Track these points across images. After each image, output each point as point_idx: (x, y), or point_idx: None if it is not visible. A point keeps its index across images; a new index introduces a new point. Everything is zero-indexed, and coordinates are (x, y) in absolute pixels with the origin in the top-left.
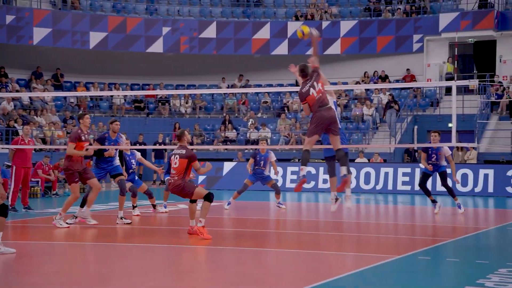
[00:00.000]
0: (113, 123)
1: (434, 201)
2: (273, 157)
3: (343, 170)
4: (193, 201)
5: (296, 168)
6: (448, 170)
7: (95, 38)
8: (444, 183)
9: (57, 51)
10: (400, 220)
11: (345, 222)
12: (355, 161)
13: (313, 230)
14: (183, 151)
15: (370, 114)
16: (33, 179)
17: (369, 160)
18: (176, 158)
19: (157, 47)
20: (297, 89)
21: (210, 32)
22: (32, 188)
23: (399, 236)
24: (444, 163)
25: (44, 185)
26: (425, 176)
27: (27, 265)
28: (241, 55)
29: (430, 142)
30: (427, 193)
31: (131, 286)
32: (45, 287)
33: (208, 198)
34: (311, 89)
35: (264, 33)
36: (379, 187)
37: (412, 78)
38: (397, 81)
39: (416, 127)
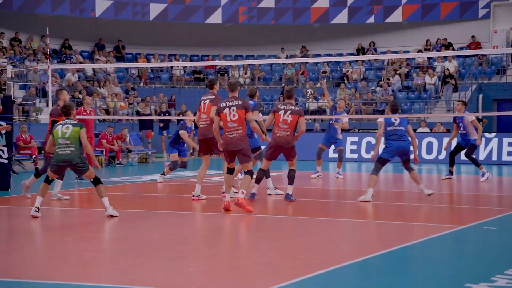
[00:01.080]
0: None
1: (451, 172)
2: (344, 119)
3: (289, 189)
4: (231, 171)
5: (355, 138)
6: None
7: (155, 9)
8: (468, 154)
9: (119, 23)
10: (463, 191)
11: (405, 192)
12: (417, 131)
13: (375, 200)
14: (239, 102)
15: (432, 83)
16: (97, 149)
17: (431, 129)
18: (233, 110)
19: (216, 17)
20: (357, 58)
21: (269, 1)
22: (97, 158)
23: (463, 206)
24: (473, 134)
25: (108, 155)
26: (458, 148)
27: (92, 231)
28: (299, 25)
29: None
30: (451, 162)
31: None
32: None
33: (251, 173)
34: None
35: (323, 1)
36: (441, 157)
37: (478, 46)
38: (461, 48)
39: (481, 95)
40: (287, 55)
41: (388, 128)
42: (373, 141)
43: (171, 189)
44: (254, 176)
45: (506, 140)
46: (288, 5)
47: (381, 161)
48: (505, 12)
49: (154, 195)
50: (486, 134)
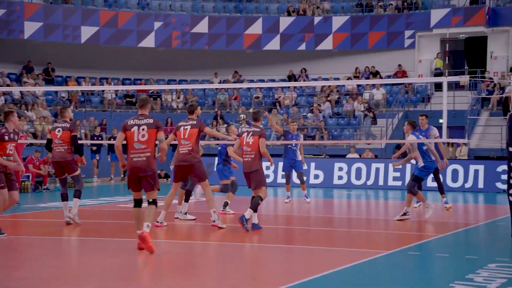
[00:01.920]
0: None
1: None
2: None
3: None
4: (138, 204)
5: None
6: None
7: (86, 32)
8: (436, 176)
9: (48, 45)
10: (390, 216)
11: (335, 217)
12: (346, 156)
13: (304, 225)
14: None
15: (361, 109)
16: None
17: (360, 155)
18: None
19: (149, 41)
20: (289, 84)
21: (202, 27)
22: (23, 183)
23: (390, 232)
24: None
25: (35, 180)
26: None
27: (18, 260)
28: (233, 50)
29: (419, 128)
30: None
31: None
32: (32, 281)
33: (155, 202)
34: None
35: (256, 28)
36: (370, 182)
37: (404, 74)
38: (389, 76)
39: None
40: (220, 80)
41: (424, 148)
42: (314, 164)
43: (100, 215)
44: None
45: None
46: (221, 31)
47: (418, 180)
48: (429, 42)
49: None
50: (413, 161)
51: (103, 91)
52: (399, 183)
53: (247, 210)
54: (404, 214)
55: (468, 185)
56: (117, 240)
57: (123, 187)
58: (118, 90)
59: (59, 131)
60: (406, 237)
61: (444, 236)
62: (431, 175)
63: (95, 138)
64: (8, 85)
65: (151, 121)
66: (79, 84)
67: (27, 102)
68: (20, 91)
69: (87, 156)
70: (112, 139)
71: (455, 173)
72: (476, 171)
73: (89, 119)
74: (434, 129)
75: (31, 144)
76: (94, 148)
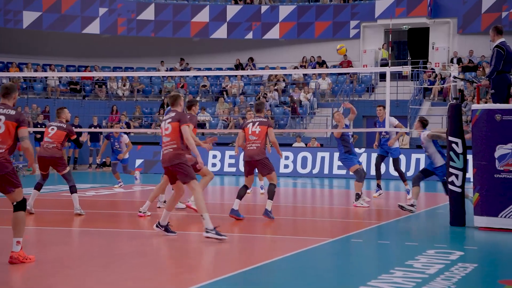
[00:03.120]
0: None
1: (378, 186)
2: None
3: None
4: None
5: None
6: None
7: (28, 17)
8: (397, 167)
9: None
10: (335, 204)
11: (281, 205)
12: (293, 145)
13: (247, 213)
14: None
15: (307, 99)
16: None
17: (306, 144)
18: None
19: (94, 28)
20: (236, 73)
21: (149, 14)
22: None
23: (334, 220)
24: (396, 143)
25: None
26: (380, 158)
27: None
28: (180, 38)
29: (378, 121)
30: (378, 175)
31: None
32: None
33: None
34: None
35: (203, 16)
36: (315, 171)
37: (349, 64)
38: (334, 66)
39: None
40: (167, 68)
41: (441, 145)
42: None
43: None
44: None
45: (373, 155)
46: (168, 18)
47: (426, 173)
48: (373, 32)
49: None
50: (356, 149)
51: (46, 77)
52: (343, 172)
53: (267, 202)
54: (412, 205)
55: (410, 173)
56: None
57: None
58: (61, 77)
59: (52, 129)
60: (350, 225)
61: (386, 223)
62: (391, 164)
63: (38, 125)
64: None
65: (12, 112)
66: (21, 70)
67: None
68: None
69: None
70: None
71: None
72: (418, 160)
73: (32, 106)
74: (392, 118)
75: None
76: (38, 136)
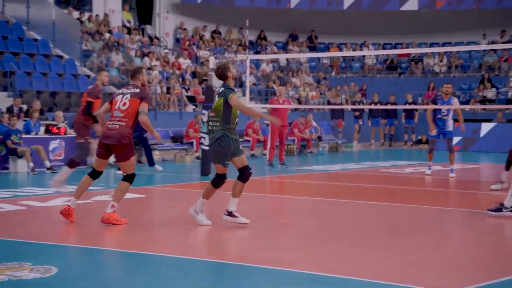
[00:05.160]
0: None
1: None
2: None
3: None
4: (129, 178)
5: None
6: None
7: None
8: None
9: (312, 13)
10: None
11: None
12: None
13: None
14: (136, 90)
15: None
16: (289, 138)
17: None
18: (126, 97)
19: (412, 4)
20: None
21: None
22: (288, 146)
23: None
24: None
25: (300, 143)
26: None
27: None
28: (504, 9)
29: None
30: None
31: None
32: None
33: (131, 178)
34: None
35: None
36: None
37: None
38: None
39: None
40: (489, 41)
41: None
42: None
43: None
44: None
45: None
46: None
47: None
48: None
49: (345, 184)
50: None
51: (363, 56)
52: None
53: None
54: None
55: None
56: None
57: (384, 152)
58: (378, 55)
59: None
60: None
61: None
62: None
63: (356, 103)
64: (275, 53)
65: (137, 90)
66: (340, 50)
67: (292, 69)
68: (286, 58)
69: (349, 121)
70: (372, 104)
71: None
72: None
73: (350, 85)
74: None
75: (296, 109)
76: (357, 113)
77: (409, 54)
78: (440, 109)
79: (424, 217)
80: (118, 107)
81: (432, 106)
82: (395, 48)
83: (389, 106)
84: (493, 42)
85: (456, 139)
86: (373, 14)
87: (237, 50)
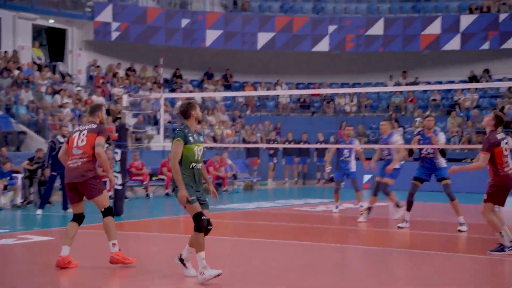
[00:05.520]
0: (426, 118)
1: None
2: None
3: None
4: (108, 211)
5: None
6: None
7: (263, 38)
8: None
9: (227, 52)
10: None
11: None
12: None
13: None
14: (94, 126)
15: None
16: None
17: None
18: (83, 133)
19: (323, 46)
20: (469, 86)
21: (377, 29)
22: (203, 185)
23: None
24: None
25: (215, 182)
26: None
27: None
28: (408, 52)
29: None
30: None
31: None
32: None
33: (110, 211)
34: None
35: (434, 28)
36: None
37: None
38: None
39: None
40: (395, 83)
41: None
42: None
43: (276, 217)
44: None
45: None
46: (397, 32)
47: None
48: None
49: (260, 223)
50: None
51: (278, 95)
52: None
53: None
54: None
55: None
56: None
57: (298, 190)
58: (292, 94)
59: None
60: None
61: None
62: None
63: (270, 142)
64: (191, 91)
65: (94, 126)
66: (255, 89)
67: (208, 107)
68: (202, 97)
69: (264, 159)
70: (286, 143)
71: None
72: None
73: (265, 123)
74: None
75: (211, 148)
76: (272, 151)
77: (321, 93)
78: (342, 152)
79: (329, 255)
80: (76, 145)
81: (335, 146)
82: (307, 87)
83: (301, 145)
84: (398, 84)
85: (367, 177)
86: (287, 54)
87: (152, 88)
